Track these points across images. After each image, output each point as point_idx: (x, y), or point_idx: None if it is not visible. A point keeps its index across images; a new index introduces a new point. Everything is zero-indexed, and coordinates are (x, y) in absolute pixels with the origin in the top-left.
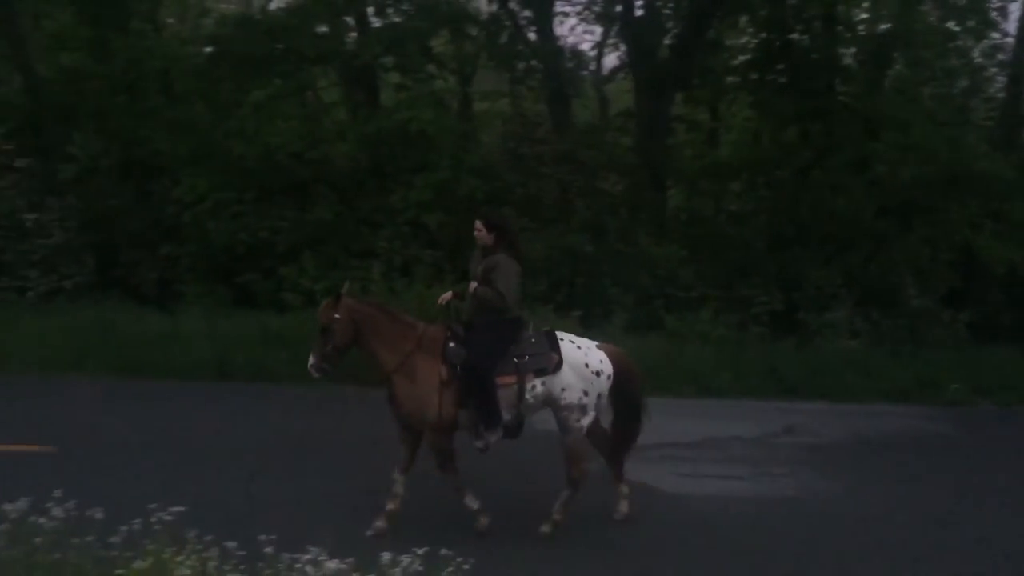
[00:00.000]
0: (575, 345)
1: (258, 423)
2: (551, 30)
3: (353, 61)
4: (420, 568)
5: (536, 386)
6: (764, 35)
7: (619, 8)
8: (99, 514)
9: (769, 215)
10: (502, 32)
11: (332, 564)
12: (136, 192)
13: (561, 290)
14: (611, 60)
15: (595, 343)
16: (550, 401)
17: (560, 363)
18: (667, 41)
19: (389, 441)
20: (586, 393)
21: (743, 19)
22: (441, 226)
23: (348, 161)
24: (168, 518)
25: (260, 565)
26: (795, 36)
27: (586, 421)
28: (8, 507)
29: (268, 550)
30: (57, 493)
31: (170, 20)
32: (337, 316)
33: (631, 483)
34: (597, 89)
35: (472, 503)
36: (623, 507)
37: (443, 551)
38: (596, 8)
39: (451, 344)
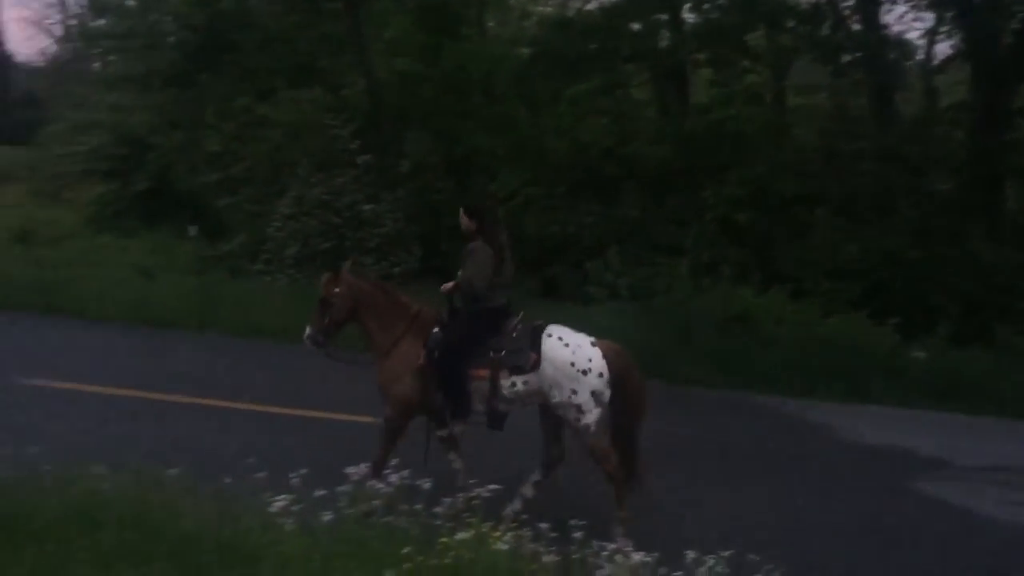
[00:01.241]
0: (563, 343)
1: None
2: (877, 19)
3: (666, 59)
4: (726, 570)
5: (516, 383)
6: None
7: None
8: (427, 485)
9: None
10: (823, 23)
11: (637, 556)
12: (457, 187)
13: (878, 296)
14: (943, 49)
15: (590, 340)
16: (541, 399)
17: (538, 362)
18: (1013, 26)
19: (699, 439)
20: (576, 392)
21: None
22: (751, 224)
23: (657, 158)
24: (486, 495)
25: (571, 548)
26: None
27: (589, 419)
28: (351, 470)
29: (577, 535)
30: (394, 462)
31: (491, 24)
32: (338, 291)
33: (947, 505)
34: (925, 81)
35: (375, 484)
36: (617, 530)
37: (750, 556)
38: None
39: (435, 330)
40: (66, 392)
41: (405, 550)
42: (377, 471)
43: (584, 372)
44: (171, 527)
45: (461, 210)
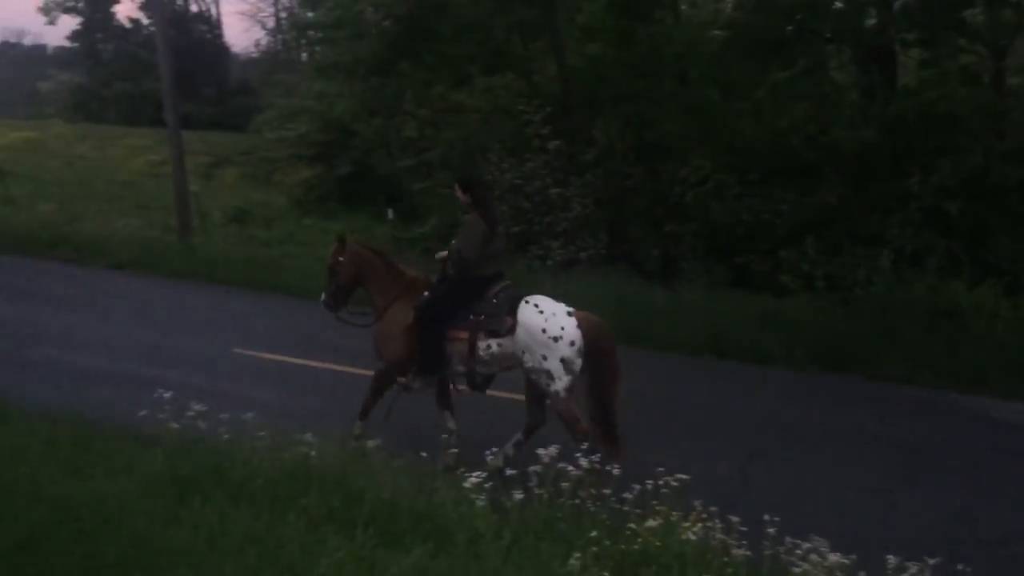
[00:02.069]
0: (538, 310)
1: (753, 404)
2: None
3: (873, 39)
4: None
5: (491, 346)
6: None
7: None
8: (616, 470)
9: None
10: None
11: (834, 557)
12: (646, 173)
13: None
14: None
15: (567, 309)
16: (514, 362)
17: (513, 327)
18: None
19: (898, 439)
20: (545, 358)
21: None
22: (962, 214)
23: (858, 143)
24: (675, 484)
25: (763, 544)
26: None
27: (559, 385)
28: (541, 452)
29: (771, 531)
30: (584, 445)
31: (683, 7)
32: (341, 259)
33: None
34: None
35: (363, 439)
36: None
37: (959, 566)
38: None
39: (426, 293)
40: (273, 363)
41: (593, 534)
42: (364, 416)
43: (555, 339)
44: (371, 495)
45: (456, 183)
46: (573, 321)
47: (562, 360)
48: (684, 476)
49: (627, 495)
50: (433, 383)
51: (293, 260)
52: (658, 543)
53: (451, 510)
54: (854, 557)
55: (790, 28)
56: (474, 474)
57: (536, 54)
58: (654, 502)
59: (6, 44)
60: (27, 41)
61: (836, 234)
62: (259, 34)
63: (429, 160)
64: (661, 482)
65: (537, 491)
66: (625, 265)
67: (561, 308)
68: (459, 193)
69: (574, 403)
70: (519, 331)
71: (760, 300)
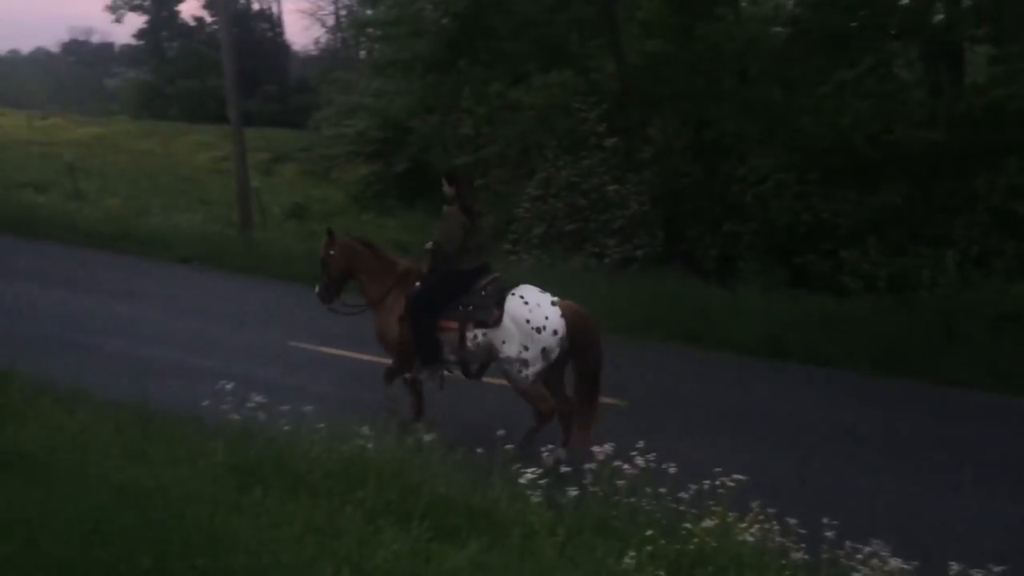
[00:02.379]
0: (523, 301)
1: (812, 406)
2: None
3: (941, 35)
4: None
5: (478, 336)
6: None
7: None
8: (672, 469)
9: None
10: None
11: (894, 563)
12: (704, 171)
13: None
14: None
15: (552, 300)
16: (493, 352)
17: (500, 318)
18: None
19: (964, 444)
20: (526, 348)
21: None
22: None
23: (924, 142)
24: (731, 484)
25: (822, 547)
26: None
27: (528, 372)
28: (597, 450)
29: (829, 534)
30: (639, 444)
31: (743, 3)
32: (333, 252)
33: None
34: None
35: (396, 414)
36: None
37: None
38: None
39: (417, 284)
40: (331, 357)
41: (648, 532)
42: (393, 406)
43: (538, 329)
44: (426, 489)
45: (443, 177)
46: (557, 311)
47: (543, 350)
48: (741, 477)
49: (683, 494)
50: (438, 372)
51: None
52: (714, 544)
53: (506, 505)
54: (916, 563)
55: (854, 24)
56: (529, 470)
57: (594, 51)
58: (710, 502)
59: (75, 42)
60: (95, 39)
61: (899, 234)
62: (319, 32)
63: (485, 157)
64: (718, 482)
65: (592, 488)
66: (681, 264)
67: (546, 299)
68: (446, 186)
69: (540, 386)
70: (505, 321)
71: (820, 301)
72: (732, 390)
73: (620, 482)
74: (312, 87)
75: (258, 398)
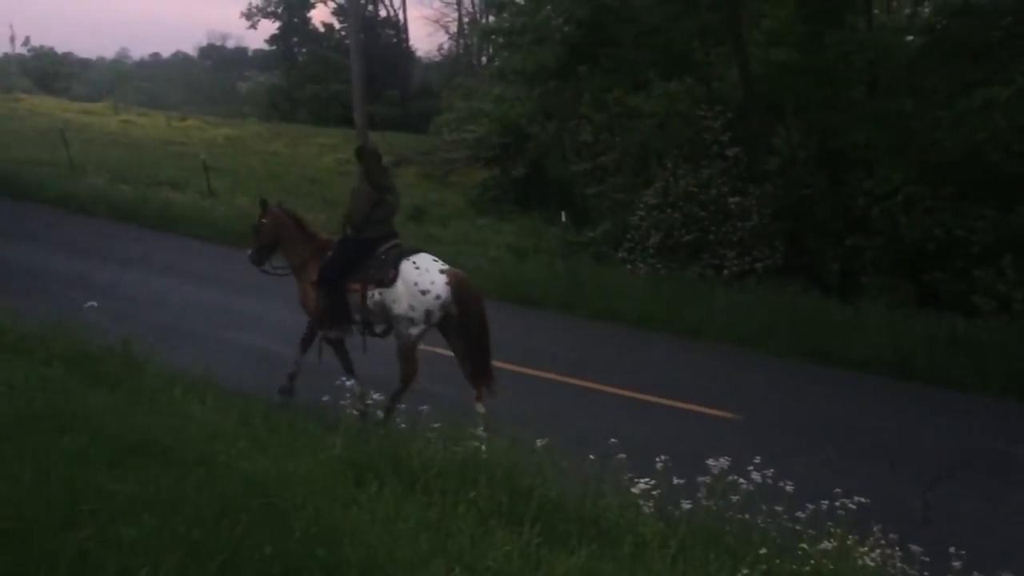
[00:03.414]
0: (415, 266)
1: (938, 429)
2: None
3: None
4: None
5: (375, 295)
6: None
7: None
8: (789, 487)
9: None
10: None
11: None
12: (828, 183)
13: None
14: None
15: (440, 267)
16: (386, 310)
17: (395, 278)
18: None
19: None
20: (412, 308)
21: None
22: None
23: None
24: (852, 506)
25: None
26: None
27: (414, 331)
28: (712, 463)
29: (957, 564)
30: (756, 460)
31: (876, 12)
32: (264, 221)
33: None
34: None
35: (289, 381)
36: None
37: None
38: None
39: (330, 253)
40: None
41: (762, 551)
42: (292, 374)
43: (423, 292)
44: (538, 493)
45: (354, 154)
46: (444, 278)
47: (426, 311)
48: (862, 499)
49: (800, 514)
50: (347, 331)
51: (467, 259)
52: (832, 566)
53: (617, 514)
54: None
55: (996, 34)
56: (642, 480)
57: (717, 59)
58: (829, 523)
59: (211, 47)
60: (230, 44)
61: None
62: (442, 38)
63: (603, 165)
64: (837, 503)
65: (705, 502)
66: (802, 278)
67: (435, 267)
68: (358, 162)
69: (416, 352)
70: (398, 282)
71: (949, 321)
72: (853, 408)
73: (734, 497)
74: (434, 92)
75: (376, 395)
